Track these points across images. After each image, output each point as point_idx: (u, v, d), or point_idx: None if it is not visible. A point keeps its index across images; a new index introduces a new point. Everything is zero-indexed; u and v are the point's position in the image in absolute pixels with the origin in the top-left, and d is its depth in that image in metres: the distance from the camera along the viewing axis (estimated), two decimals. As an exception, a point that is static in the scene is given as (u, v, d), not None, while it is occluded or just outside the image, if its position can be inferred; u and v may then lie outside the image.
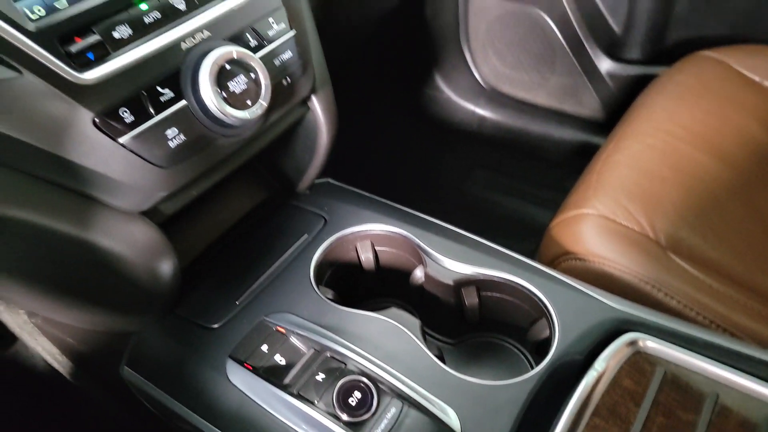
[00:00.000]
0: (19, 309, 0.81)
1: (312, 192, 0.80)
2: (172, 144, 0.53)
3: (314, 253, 0.69)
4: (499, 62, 1.56)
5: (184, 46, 0.53)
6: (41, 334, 0.83)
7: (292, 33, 0.61)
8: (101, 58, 0.49)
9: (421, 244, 0.68)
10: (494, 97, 1.60)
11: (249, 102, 0.55)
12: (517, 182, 1.60)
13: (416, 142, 1.74)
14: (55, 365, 0.88)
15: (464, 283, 0.66)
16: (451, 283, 0.65)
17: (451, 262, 0.66)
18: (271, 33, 0.59)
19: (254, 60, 0.55)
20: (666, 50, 1.32)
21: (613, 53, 1.38)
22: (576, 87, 1.44)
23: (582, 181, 0.93)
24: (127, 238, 0.56)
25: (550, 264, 0.82)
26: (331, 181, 0.83)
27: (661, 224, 0.81)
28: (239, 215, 0.77)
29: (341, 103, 0.75)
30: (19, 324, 0.83)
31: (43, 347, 0.85)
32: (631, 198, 0.84)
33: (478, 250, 0.67)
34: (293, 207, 0.77)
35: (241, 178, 0.80)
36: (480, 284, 0.67)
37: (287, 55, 0.61)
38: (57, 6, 0.49)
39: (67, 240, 0.53)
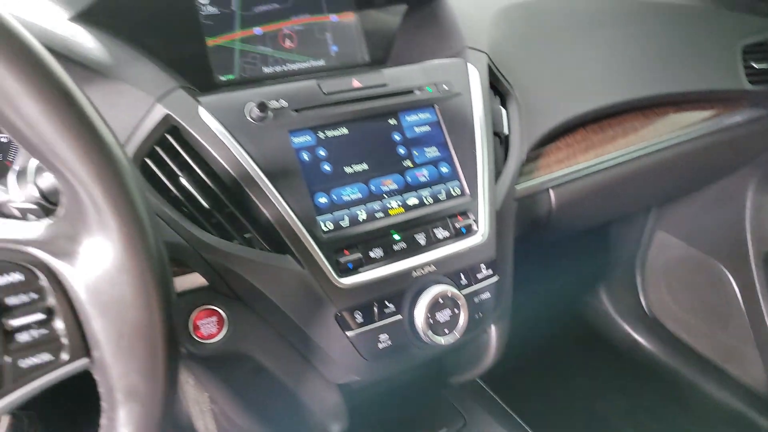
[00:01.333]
0: (205, 391, 0.99)
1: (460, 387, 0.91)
2: (380, 345, 0.67)
3: None
4: (669, 297, 1.58)
5: (414, 274, 0.69)
6: (211, 418, 1.00)
7: (495, 279, 0.75)
8: (356, 269, 0.67)
9: None
10: (655, 327, 1.61)
11: (446, 330, 0.69)
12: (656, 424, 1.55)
13: (561, 346, 1.76)
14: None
15: None
16: None
17: None
18: (479, 276, 0.73)
19: (461, 300, 0.69)
20: None
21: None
22: (744, 353, 1.41)
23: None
24: (321, 398, 0.70)
25: None
26: (478, 381, 0.93)
27: None
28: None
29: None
30: (199, 401, 1.02)
31: (206, 427, 1.02)
32: None
33: None
34: (440, 397, 0.88)
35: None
36: None
37: (486, 296, 0.74)
38: (341, 224, 0.67)
39: (280, 383, 0.69)
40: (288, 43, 0.84)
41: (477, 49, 0.81)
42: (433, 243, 0.71)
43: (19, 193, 0.49)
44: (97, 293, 0.38)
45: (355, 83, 0.72)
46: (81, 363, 0.39)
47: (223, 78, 0.80)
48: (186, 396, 1.04)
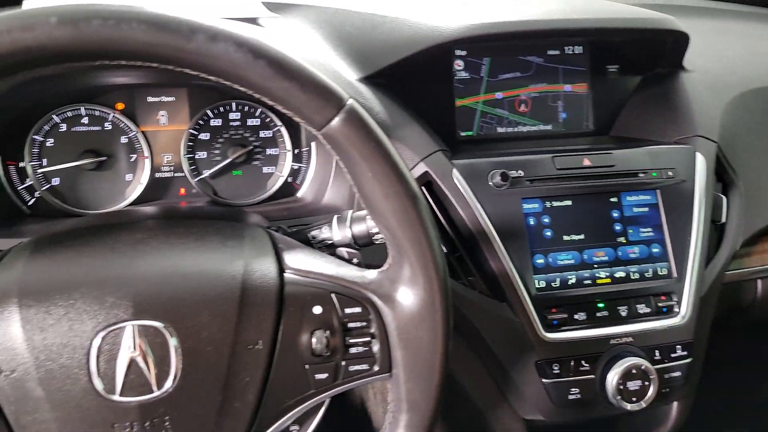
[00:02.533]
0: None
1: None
2: (570, 396, 0.77)
3: None
4: None
5: (612, 341, 0.77)
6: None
7: (688, 360, 0.80)
8: (560, 327, 0.76)
9: None
10: None
11: (634, 399, 0.76)
12: None
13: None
14: None
15: None
16: None
17: None
18: (673, 355, 0.79)
19: (653, 374, 0.76)
20: None
21: None
22: None
23: None
24: (507, 427, 0.82)
25: None
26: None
27: None
28: None
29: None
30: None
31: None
32: None
33: None
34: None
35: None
36: None
37: (677, 374, 0.79)
38: (552, 285, 0.77)
39: (474, 407, 0.81)
40: (522, 108, 0.95)
41: (708, 138, 0.85)
42: (633, 317, 0.78)
43: (338, 233, 0.66)
44: (403, 331, 0.53)
45: (586, 162, 0.81)
46: (384, 376, 0.54)
47: (463, 134, 0.94)
48: (373, 385, 1.21)
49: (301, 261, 0.57)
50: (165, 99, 0.87)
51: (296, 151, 0.91)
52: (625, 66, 0.98)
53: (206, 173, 0.88)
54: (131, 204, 0.86)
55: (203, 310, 0.50)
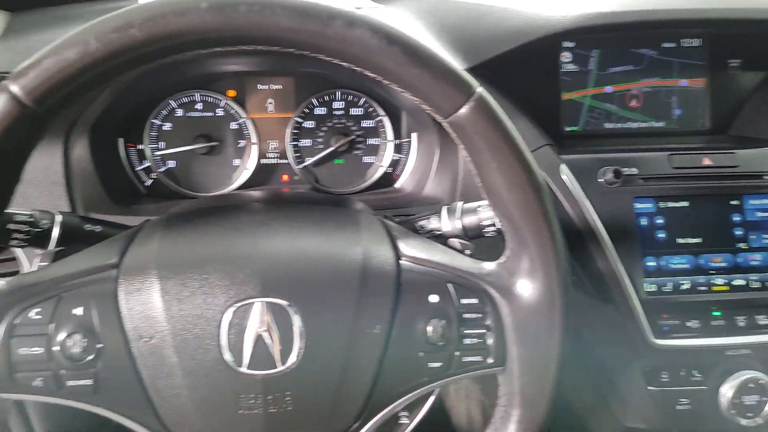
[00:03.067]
0: (479, 384, 1.14)
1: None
2: (678, 407, 0.73)
3: None
4: None
5: (727, 352, 0.73)
6: (478, 407, 1.15)
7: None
8: (671, 333, 0.73)
9: None
10: None
11: (750, 414, 0.71)
12: None
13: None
14: None
15: None
16: None
17: None
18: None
19: (773, 389, 0.71)
20: None
21: None
22: None
23: None
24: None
25: None
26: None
27: None
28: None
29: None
30: (468, 389, 1.18)
31: (468, 412, 1.18)
32: None
33: None
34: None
35: None
36: None
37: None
38: (664, 289, 0.74)
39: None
40: (633, 103, 0.91)
41: None
42: (753, 328, 0.73)
43: (447, 224, 0.66)
44: (520, 325, 0.52)
45: (706, 161, 0.76)
46: (497, 369, 0.54)
47: (567, 129, 0.91)
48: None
49: (416, 249, 0.57)
50: (273, 87, 0.89)
51: (397, 141, 0.92)
52: (748, 61, 0.91)
53: (309, 161, 0.90)
54: (238, 188, 0.90)
55: (325, 292, 0.51)
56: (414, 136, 0.91)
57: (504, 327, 0.54)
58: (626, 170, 0.75)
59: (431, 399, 0.58)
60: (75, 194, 0.77)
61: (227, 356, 0.49)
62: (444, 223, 0.66)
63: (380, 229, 0.60)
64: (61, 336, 0.48)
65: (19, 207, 0.62)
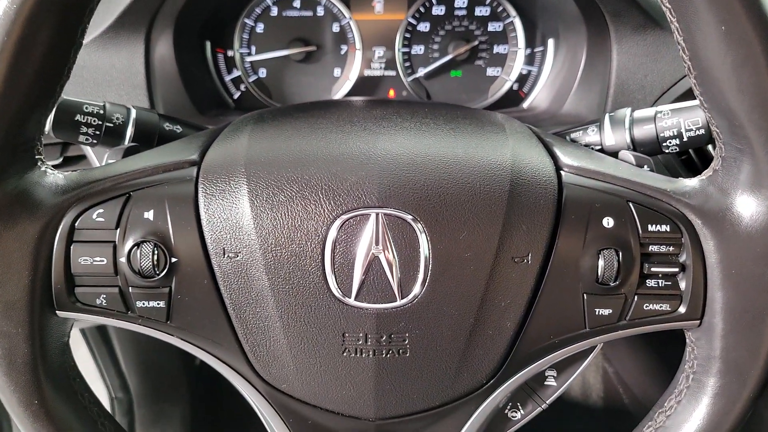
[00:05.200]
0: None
1: None
2: None
3: None
4: None
5: None
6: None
7: None
8: None
9: None
10: None
11: None
12: None
13: None
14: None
15: None
16: None
17: None
18: None
19: None
20: None
21: None
22: None
23: None
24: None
25: None
26: None
27: None
28: None
29: None
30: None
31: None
32: None
33: None
34: None
35: None
36: None
37: None
38: None
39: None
40: None
41: None
42: None
43: (610, 136, 0.51)
44: (733, 263, 0.37)
45: None
46: (689, 323, 0.39)
47: None
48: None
49: (581, 159, 0.42)
50: (382, -18, 0.75)
51: (528, 51, 0.75)
52: None
53: (421, 72, 0.76)
54: (338, 103, 0.77)
55: (463, 206, 0.38)
56: (551, 42, 0.74)
57: (707, 266, 0.39)
58: None
59: (589, 358, 0.44)
60: (157, 101, 0.67)
61: (332, 282, 0.37)
62: (606, 134, 0.51)
63: (529, 134, 0.45)
64: (129, 244, 0.38)
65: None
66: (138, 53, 0.66)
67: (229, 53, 0.76)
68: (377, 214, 0.37)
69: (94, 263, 0.38)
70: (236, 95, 0.78)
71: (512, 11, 0.74)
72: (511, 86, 0.76)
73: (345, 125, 0.43)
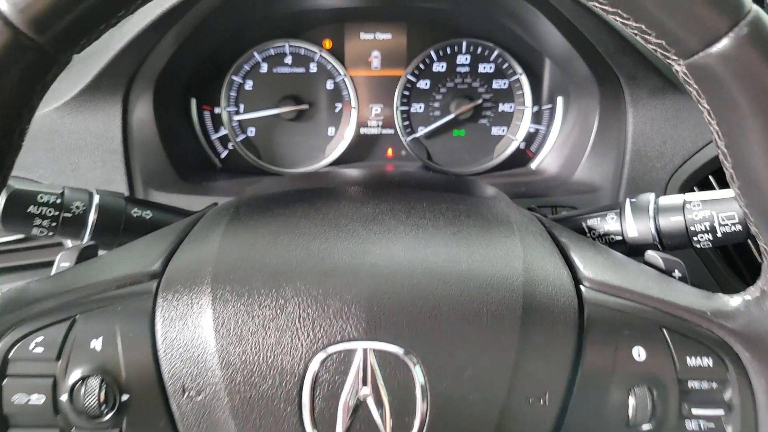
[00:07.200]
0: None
1: None
2: None
3: None
4: None
5: None
6: None
7: None
8: None
9: None
10: None
11: None
12: None
13: None
14: None
15: None
16: None
17: None
18: None
19: None
20: None
21: None
22: None
23: None
24: None
25: None
26: None
27: None
28: None
29: None
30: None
31: None
32: None
33: None
34: None
35: None
36: None
37: None
38: None
39: None
40: None
41: None
42: None
43: (632, 227, 0.45)
44: None
45: None
46: None
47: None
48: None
49: (605, 270, 0.36)
50: (380, 36, 0.70)
51: (536, 108, 0.70)
52: None
53: (421, 131, 0.71)
54: (332, 164, 0.72)
55: (467, 337, 0.32)
56: (560, 100, 0.69)
57: (757, 407, 0.32)
58: None
59: None
60: (134, 166, 0.62)
61: (310, 431, 0.31)
62: (628, 224, 0.45)
63: (543, 236, 0.40)
64: (72, 379, 0.32)
65: (51, 184, 0.48)
66: (115, 116, 0.61)
67: (216, 110, 0.71)
68: (365, 350, 0.31)
69: (30, 402, 0.32)
70: (223, 154, 0.72)
71: (518, 68, 0.69)
72: (518, 145, 0.71)
73: (330, 230, 0.37)
